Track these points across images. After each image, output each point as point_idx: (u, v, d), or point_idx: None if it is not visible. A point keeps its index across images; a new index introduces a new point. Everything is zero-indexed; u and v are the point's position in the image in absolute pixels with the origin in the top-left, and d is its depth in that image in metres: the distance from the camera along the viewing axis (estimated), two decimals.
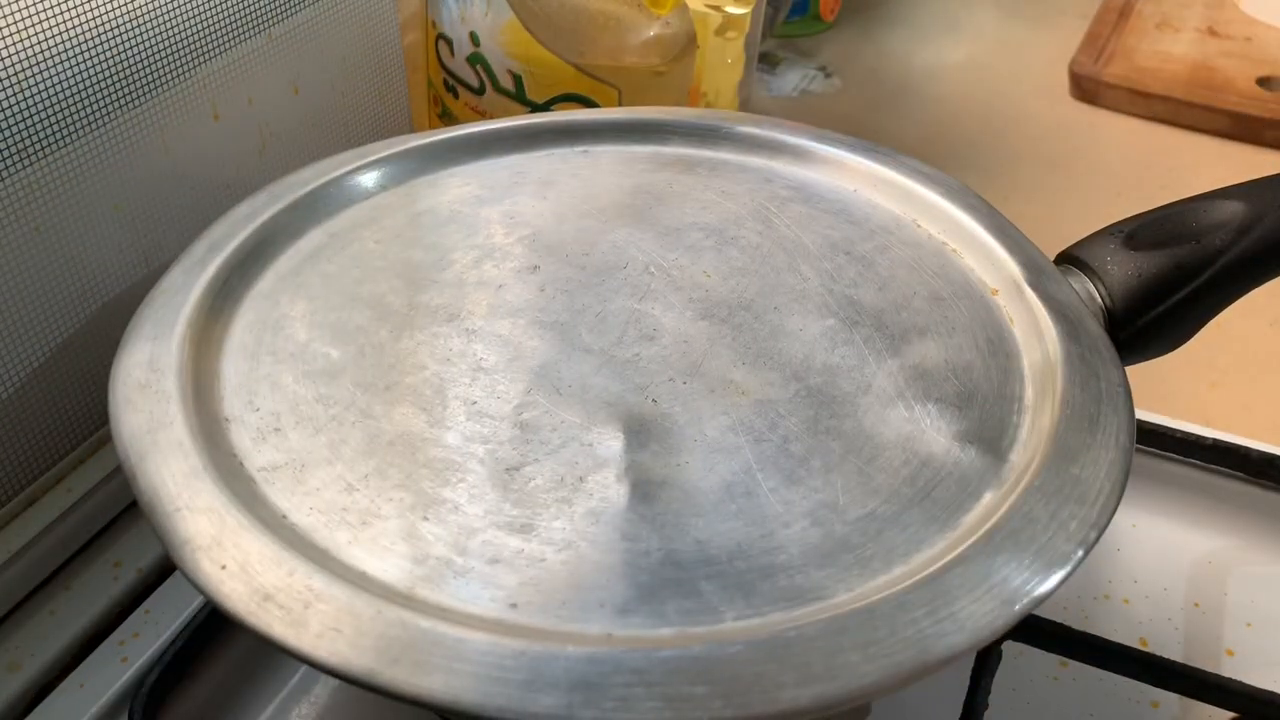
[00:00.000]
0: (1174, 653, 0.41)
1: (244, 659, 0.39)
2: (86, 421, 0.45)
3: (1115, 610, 0.43)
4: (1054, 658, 0.39)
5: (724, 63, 0.63)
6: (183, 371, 0.30)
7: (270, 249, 0.36)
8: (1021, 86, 0.87)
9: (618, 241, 0.37)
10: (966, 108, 0.83)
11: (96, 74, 0.40)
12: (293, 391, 0.31)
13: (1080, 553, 0.25)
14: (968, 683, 0.36)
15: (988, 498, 0.27)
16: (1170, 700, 0.38)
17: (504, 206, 0.38)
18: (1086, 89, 0.83)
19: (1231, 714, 0.37)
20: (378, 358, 0.32)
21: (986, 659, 0.36)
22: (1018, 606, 0.24)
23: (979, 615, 0.24)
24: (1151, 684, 0.37)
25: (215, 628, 0.38)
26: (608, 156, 0.42)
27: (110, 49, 0.41)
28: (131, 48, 0.42)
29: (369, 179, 0.39)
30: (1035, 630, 0.37)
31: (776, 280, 0.35)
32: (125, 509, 0.44)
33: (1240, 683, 0.36)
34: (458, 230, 0.37)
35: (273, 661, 0.39)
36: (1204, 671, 0.37)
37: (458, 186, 0.40)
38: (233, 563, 0.25)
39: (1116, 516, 0.47)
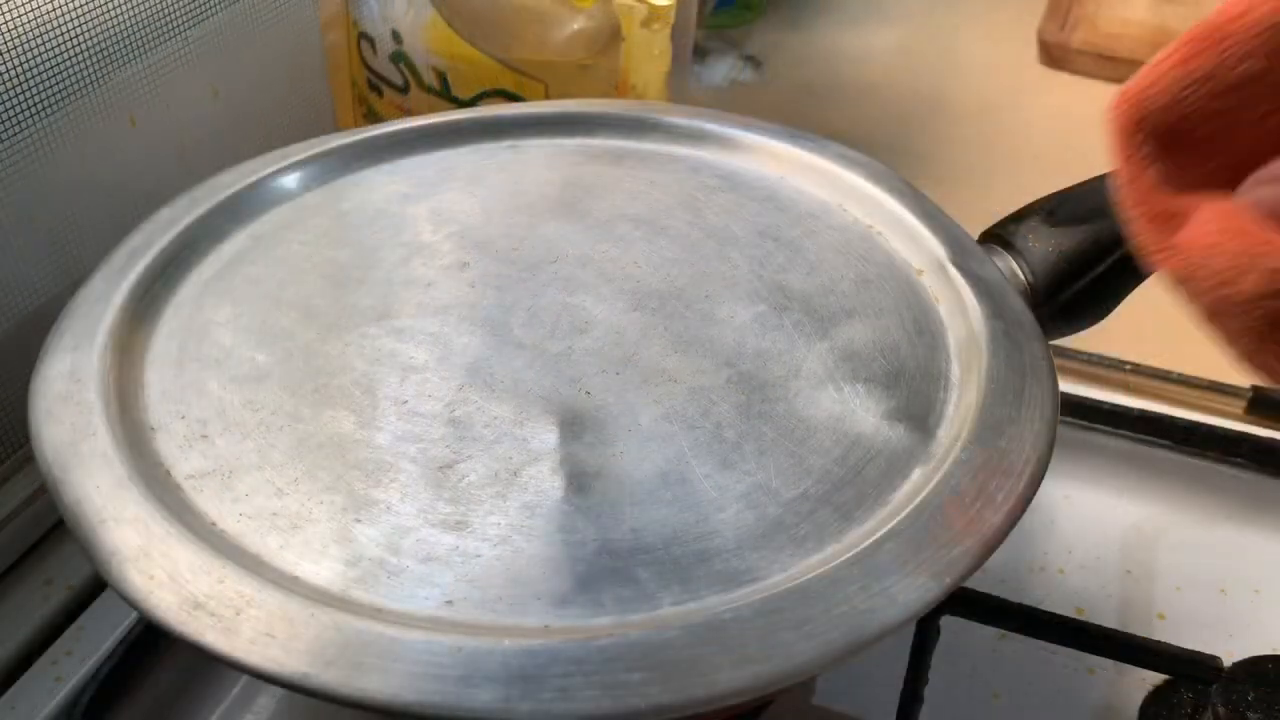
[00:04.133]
0: (1109, 619, 0.41)
1: (183, 672, 0.38)
2: (8, 439, 0.43)
3: (1051, 581, 0.43)
4: (993, 630, 0.39)
5: (651, 55, 0.63)
6: (105, 381, 0.30)
7: (192, 254, 0.35)
8: (988, 56, 0.88)
9: (548, 235, 0.36)
10: (903, 90, 0.84)
11: (5, 83, 0.39)
12: (219, 398, 0.30)
13: (1009, 524, 0.26)
14: (909, 658, 0.36)
15: (917, 474, 0.28)
16: (1106, 665, 0.39)
17: (431, 204, 0.38)
18: (1055, 56, 0.86)
19: (1164, 675, 0.38)
20: (305, 360, 0.31)
21: (926, 634, 0.37)
22: (948, 580, 0.24)
23: (910, 590, 0.24)
24: (1087, 651, 0.38)
25: (151, 642, 0.37)
26: (535, 151, 0.41)
27: (18, 57, 0.40)
28: (40, 55, 0.41)
29: (292, 180, 0.39)
30: (974, 604, 0.38)
31: (706, 268, 0.35)
32: (54, 526, 0.43)
33: (1171, 645, 0.36)
34: (384, 229, 0.37)
35: (213, 673, 0.38)
36: (1137, 637, 0.38)
37: (383, 185, 0.39)
38: (161, 572, 0.24)
39: (1049, 489, 0.48)
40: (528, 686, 0.22)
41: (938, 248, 0.35)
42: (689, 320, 0.33)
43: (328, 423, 0.29)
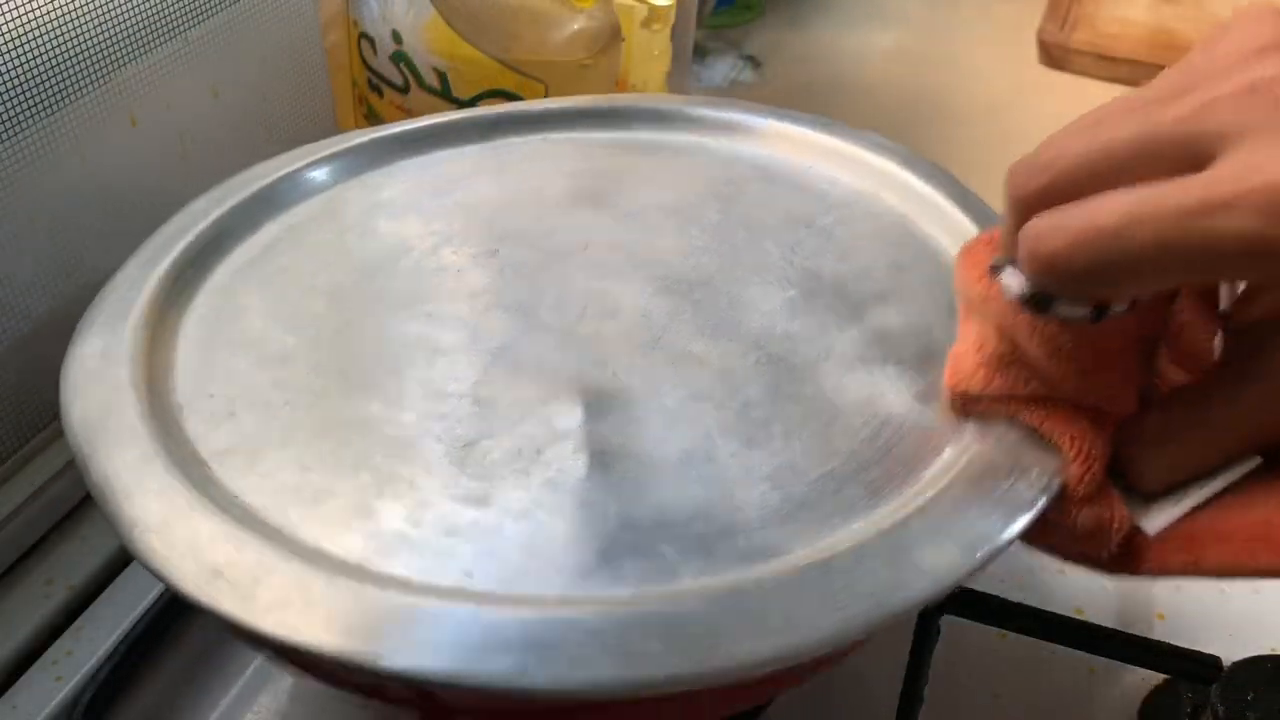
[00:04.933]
0: (1108, 619, 0.41)
1: (184, 671, 0.38)
2: (10, 438, 0.43)
3: (1051, 581, 0.43)
4: (993, 630, 0.39)
5: (651, 55, 0.63)
6: (135, 360, 0.30)
7: (225, 243, 0.35)
8: (988, 56, 0.88)
9: (578, 224, 0.36)
10: (903, 90, 0.84)
11: (5, 83, 0.39)
12: (247, 377, 0.30)
13: (1043, 499, 0.25)
14: (908, 658, 0.36)
15: (948, 452, 0.27)
16: (1106, 665, 0.39)
17: (461, 194, 0.38)
18: (1055, 56, 0.85)
19: (1164, 675, 0.38)
20: (333, 343, 0.31)
21: (926, 634, 0.37)
22: (979, 554, 0.24)
23: (940, 563, 0.23)
24: (1087, 651, 0.38)
25: (152, 641, 0.37)
26: (565, 144, 0.41)
27: (18, 57, 0.40)
28: (40, 55, 0.41)
29: (324, 173, 0.39)
30: (974, 604, 0.38)
31: (737, 256, 0.35)
32: (54, 526, 0.43)
33: (1171, 645, 0.36)
34: (415, 219, 0.37)
35: (214, 672, 0.38)
36: (1137, 636, 0.37)
37: (415, 177, 0.39)
38: (182, 542, 0.24)
39: None
40: (545, 654, 0.22)
41: (973, 230, 0.34)
42: (718, 304, 0.33)
43: (353, 402, 0.29)
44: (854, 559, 0.24)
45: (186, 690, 0.38)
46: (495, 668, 0.22)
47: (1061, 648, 0.38)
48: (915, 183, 0.37)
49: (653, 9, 0.61)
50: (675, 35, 0.65)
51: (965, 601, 0.38)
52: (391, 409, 0.29)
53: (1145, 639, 0.37)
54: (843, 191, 0.38)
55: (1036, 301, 0.24)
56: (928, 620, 0.37)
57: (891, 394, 0.29)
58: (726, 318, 0.32)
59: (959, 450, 0.27)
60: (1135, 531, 0.25)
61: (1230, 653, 0.36)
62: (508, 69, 0.52)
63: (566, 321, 0.32)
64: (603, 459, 0.27)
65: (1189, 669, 0.36)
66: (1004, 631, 0.39)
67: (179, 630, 0.38)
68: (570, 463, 0.27)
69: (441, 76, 0.53)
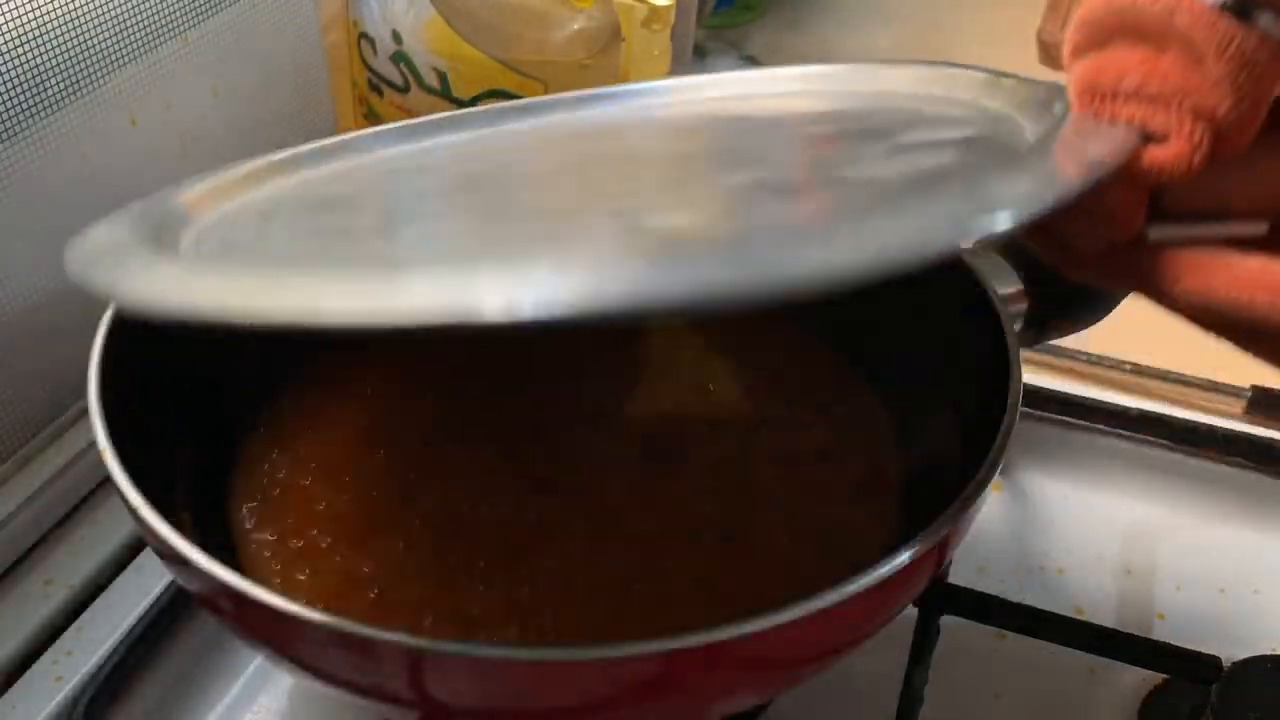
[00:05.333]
0: (1108, 619, 0.41)
1: (184, 671, 0.38)
2: (10, 438, 0.44)
3: (1051, 581, 0.43)
4: (993, 630, 0.39)
5: (651, 55, 0.63)
6: (141, 231, 0.29)
7: (236, 191, 0.35)
8: (988, 56, 0.88)
9: (582, 148, 0.37)
10: None
11: (6, 83, 0.39)
12: (255, 236, 0.30)
13: (1122, 158, 0.23)
14: (908, 658, 0.36)
15: (1005, 168, 0.25)
16: (1106, 665, 0.39)
17: (464, 149, 0.39)
18: (1055, 56, 0.85)
19: (1164, 675, 0.38)
20: (346, 217, 0.32)
21: (926, 634, 0.37)
22: (1057, 189, 0.22)
23: (1018, 192, 0.21)
24: (1087, 651, 0.38)
25: (152, 641, 0.37)
26: (573, 119, 0.42)
27: (19, 57, 0.40)
28: (41, 55, 0.41)
29: (341, 150, 0.39)
30: (974, 604, 0.38)
31: (748, 139, 0.35)
32: (54, 526, 0.43)
33: (1171, 645, 0.36)
34: (427, 162, 0.38)
35: (213, 673, 0.38)
36: (1137, 637, 0.38)
37: (426, 148, 0.40)
38: (190, 291, 0.24)
39: (1049, 489, 0.48)
40: (586, 282, 0.19)
41: (979, 75, 0.34)
42: (737, 157, 0.32)
43: (361, 241, 0.29)
44: (925, 194, 0.22)
45: (186, 690, 0.38)
46: (520, 298, 0.19)
47: (1061, 648, 0.38)
48: (920, 71, 0.36)
49: (653, 9, 0.61)
50: (675, 35, 0.65)
51: (965, 601, 0.38)
52: (400, 238, 0.29)
53: (1145, 639, 0.37)
54: (849, 100, 0.38)
55: (1240, 9, 0.23)
56: (928, 620, 0.37)
57: (934, 160, 0.28)
58: (749, 160, 0.31)
59: (1016, 159, 0.25)
60: (1138, 240, 0.25)
61: (1230, 653, 0.36)
62: (508, 69, 0.52)
63: (581, 195, 0.32)
64: (630, 228, 0.26)
65: (1189, 669, 0.36)
66: (1004, 631, 0.39)
67: (179, 630, 0.38)
68: (589, 239, 0.25)
69: (441, 76, 0.53)
